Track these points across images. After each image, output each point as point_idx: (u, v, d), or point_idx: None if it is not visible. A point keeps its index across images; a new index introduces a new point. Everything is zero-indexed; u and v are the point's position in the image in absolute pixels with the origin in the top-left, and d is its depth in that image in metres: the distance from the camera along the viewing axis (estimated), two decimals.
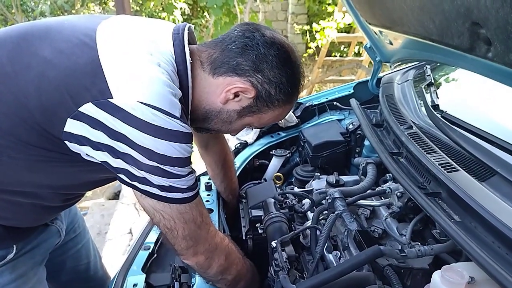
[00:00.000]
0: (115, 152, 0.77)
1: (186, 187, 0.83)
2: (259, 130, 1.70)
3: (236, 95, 0.91)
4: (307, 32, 5.00)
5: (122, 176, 0.81)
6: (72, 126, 0.76)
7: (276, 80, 0.91)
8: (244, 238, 1.25)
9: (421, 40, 1.17)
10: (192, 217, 0.87)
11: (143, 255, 1.09)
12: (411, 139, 1.20)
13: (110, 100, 0.73)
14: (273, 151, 1.68)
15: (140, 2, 6.05)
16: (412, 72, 1.73)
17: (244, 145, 1.68)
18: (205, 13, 6.14)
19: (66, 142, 0.79)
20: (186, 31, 0.90)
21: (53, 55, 0.78)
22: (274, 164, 1.66)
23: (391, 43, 1.45)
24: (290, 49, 0.93)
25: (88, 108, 0.74)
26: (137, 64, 0.78)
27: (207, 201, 1.35)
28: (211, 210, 1.30)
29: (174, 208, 0.84)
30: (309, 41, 5.10)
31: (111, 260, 2.67)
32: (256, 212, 1.26)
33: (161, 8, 5.89)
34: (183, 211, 0.85)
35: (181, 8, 5.86)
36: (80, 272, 1.33)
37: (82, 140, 0.77)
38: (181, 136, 0.78)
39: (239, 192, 1.45)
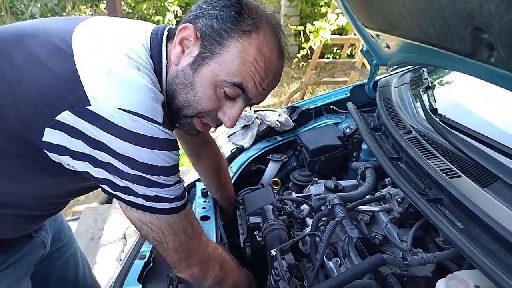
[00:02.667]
0: (96, 162, 0.74)
1: (173, 196, 0.80)
2: (255, 134, 1.68)
3: (181, 45, 0.85)
4: (301, 32, 4.97)
5: (104, 186, 0.78)
6: (50, 135, 0.73)
7: (215, 11, 0.83)
8: (242, 245, 1.22)
9: (419, 44, 1.16)
10: (182, 227, 0.84)
11: (138, 265, 1.06)
12: (411, 144, 1.19)
13: (88, 107, 0.70)
14: (270, 155, 1.66)
15: (132, 4, 6.00)
16: (408, 75, 1.72)
17: (240, 149, 1.65)
18: None
19: (46, 152, 0.76)
20: (165, 33, 0.87)
21: (27, 63, 0.75)
22: (271, 169, 1.64)
23: (388, 47, 1.44)
24: None
25: (66, 117, 0.71)
26: (115, 68, 0.74)
27: (203, 208, 1.32)
28: (207, 217, 1.27)
29: (162, 219, 0.81)
30: (303, 41, 5.06)
31: (105, 266, 2.63)
32: (254, 219, 1.24)
33: (153, 11, 5.85)
34: (172, 222, 0.82)
35: (174, 11, 5.83)
36: (68, 282, 1.30)
37: (61, 150, 0.74)
38: (164, 143, 0.75)
39: (236, 198, 1.43)
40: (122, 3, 5.58)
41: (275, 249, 1.04)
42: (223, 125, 0.92)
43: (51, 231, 1.17)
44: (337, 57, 6.57)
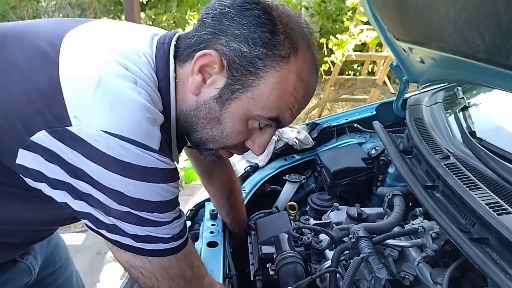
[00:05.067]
0: (76, 192, 0.62)
1: (169, 236, 0.68)
2: (271, 152, 1.55)
3: (202, 74, 0.70)
4: (324, 45, 4.83)
5: (86, 221, 0.65)
6: (25, 158, 0.61)
7: (243, 31, 0.67)
8: (252, 278, 1.09)
9: (461, 59, 1.02)
10: (180, 271, 0.71)
11: None
12: (449, 171, 1.04)
13: (68, 128, 0.58)
14: (287, 176, 1.53)
15: (153, 16, 6.01)
16: (441, 93, 1.58)
17: (255, 168, 1.53)
18: None
19: (22, 176, 0.64)
20: (173, 42, 0.73)
21: (3, 70, 0.63)
22: (287, 190, 1.51)
23: (422, 62, 1.31)
24: None
25: (42, 137, 0.59)
26: (105, 81, 0.61)
27: (211, 232, 1.20)
28: (215, 244, 1.15)
29: (155, 263, 0.68)
30: (325, 54, 4.93)
31: (110, 282, 2.52)
32: (267, 249, 1.10)
33: (173, 23, 5.85)
34: (167, 265, 0.69)
35: (194, 24, 5.81)
36: None
37: (37, 176, 0.62)
38: (159, 174, 0.63)
39: (248, 223, 1.29)
40: (143, 14, 5.59)
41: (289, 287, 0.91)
42: None
43: (41, 254, 1.04)
44: (357, 74, 6.45)
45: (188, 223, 1.26)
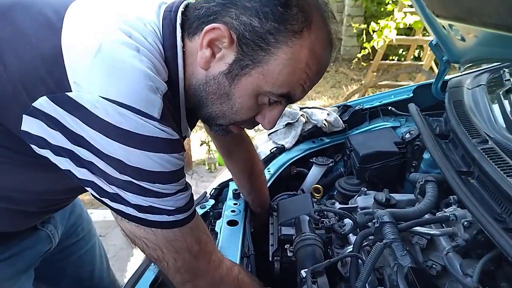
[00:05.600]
0: (79, 160, 0.61)
1: (173, 208, 0.66)
2: (299, 133, 1.51)
3: (211, 48, 0.67)
4: (364, 31, 4.68)
5: (90, 189, 0.65)
6: (29, 124, 0.61)
7: (255, 4, 0.64)
8: (270, 259, 1.07)
9: (506, 34, 0.93)
10: (186, 245, 0.69)
11: (149, 276, 0.94)
12: (486, 156, 0.96)
13: (68, 93, 0.57)
14: (314, 158, 1.49)
15: None
16: (485, 76, 1.47)
17: (281, 149, 1.50)
18: None
19: (28, 143, 0.64)
20: (180, 9, 0.70)
21: (12, 37, 0.63)
22: (314, 173, 1.47)
23: (463, 40, 1.21)
24: None
25: (43, 103, 0.58)
26: (106, 47, 0.60)
27: (232, 211, 1.19)
28: (236, 222, 1.14)
29: (160, 234, 0.67)
30: (364, 40, 4.77)
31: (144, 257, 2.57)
32: (286, 230, 1.08)
33: None
34: (172, 238, 0.68)
35: None
36: (83, 280, 1.21)
37: (41, 142, 0.62)
38: (160, 143, 0.61)
39: (271, 204, 1.27)
40: None
41: (305, 270, 0.88)
42: None
43: (62, 224, 1.08)
44: (402, 59, 6.17)
45: (212, 201, 1.26)
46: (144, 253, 0.71)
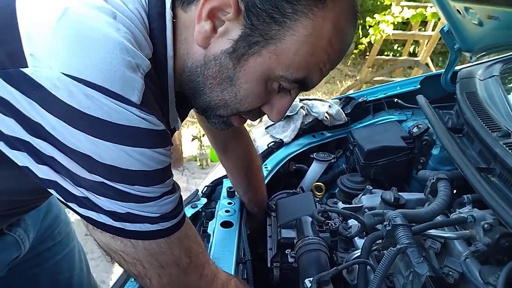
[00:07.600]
0: (38, 155, 0.49)
1: (157, 215, 0.54)
2: (298, 127, 1.41)
3: (211, 21, 0.55)
4: (359, 26, 4.62)
5: (53, 192, 0.53)
6: None
7: None
8: (269, 265, 0.97)
9: None
10: (173, 258, 0.58)
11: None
12: (510, 151, 0.87)
13: (22, 69, 0.45)
14: (314, 154, 1.40)
15: None
16: (498, 66, 1.38)
17: (279, 144, 1.41)
18: None
19: None
20: None
21: None
22: (315, 170, 1.39)
23: (480, 24, 1.11)
24: None
25: None
26: (72, 11, 0.47)
27: (227, 211, 1.09)
28: (230, 224, 1.04)
29: (140, 247, 0.55)
30: (361, 36, 4.71)
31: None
32: (287, 233, 0.98)
33: None
34: (155, 251, 0.56)
35: None
36: (59, 287, 1.09)
37: None
38: (139, 135, 0.49)
39: (268, 203, 1.18)
40: None
41: (310, 279, 0.78)
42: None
43: (35, 227, 0.95)
44: (398, 55, 6.13)
45: (204, 200, 1.16)
46: (123, 268, 0.59)
